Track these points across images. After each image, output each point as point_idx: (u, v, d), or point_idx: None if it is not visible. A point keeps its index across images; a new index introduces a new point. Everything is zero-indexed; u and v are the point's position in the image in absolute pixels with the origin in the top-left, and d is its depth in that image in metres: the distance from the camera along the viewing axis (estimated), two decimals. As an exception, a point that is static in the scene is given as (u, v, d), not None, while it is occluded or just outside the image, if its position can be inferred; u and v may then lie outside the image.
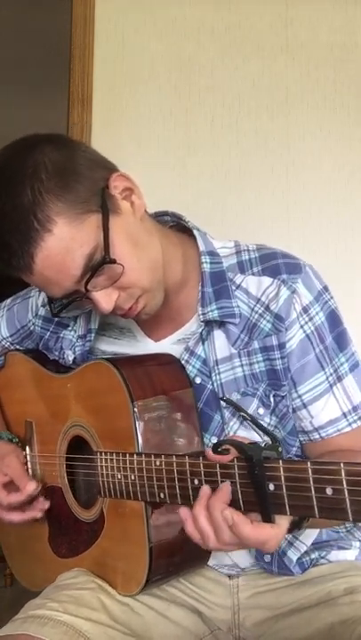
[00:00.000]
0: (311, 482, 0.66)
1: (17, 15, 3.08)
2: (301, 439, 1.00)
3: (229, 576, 1.04)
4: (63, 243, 0.87)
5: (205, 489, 0.77)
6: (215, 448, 0.75)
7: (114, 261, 0.89)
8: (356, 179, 1.88)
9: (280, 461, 0.70)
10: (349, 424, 0.97)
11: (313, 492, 0.66)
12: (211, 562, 1.01)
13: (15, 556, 1.28)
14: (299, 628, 0.96)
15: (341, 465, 0.63)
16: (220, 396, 0.98)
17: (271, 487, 0.70)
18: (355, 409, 0.97)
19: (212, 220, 1.86)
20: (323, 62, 1.89)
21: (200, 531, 0.77)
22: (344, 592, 0.97)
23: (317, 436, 0.98)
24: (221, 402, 0.97)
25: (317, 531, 1.02)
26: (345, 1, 1.90)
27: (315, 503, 0.66)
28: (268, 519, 0.72)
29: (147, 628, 0.97)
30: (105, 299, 0.92)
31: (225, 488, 0.75)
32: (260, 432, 0.78)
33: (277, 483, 0.69)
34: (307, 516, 0.77)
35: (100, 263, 0.89)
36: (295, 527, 0.78)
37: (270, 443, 0.72)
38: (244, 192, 1.90)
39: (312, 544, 1.02)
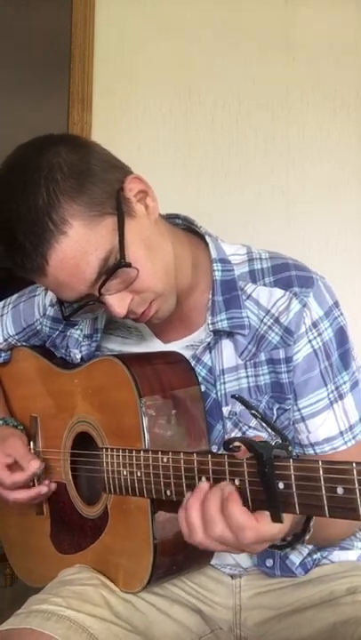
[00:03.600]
0: (322, 481, 0.66)
1: (17, 15, 3.08)
2: (298, 451, 1.00)
3: (231, 576, 1.04)
4: (78, 245, 0.86)
5: (204, 484, 0.77)
6: (227, 445, 0.75)
7: (129, 265, 0.88)
8: (356, 179, 1.89)
9: (290, 460, 0.70)
10: (345, 442, 0.97)
11: (323, 491, 0.66)
12: (213, 561, 1.01)
13: (15, 551, 1.28)
14: (300, 627, 0.96)
15: (354, 465, 0.63)
16: (224, 405, 0.98)
17: (281, 486, 0.70)
18: (351, 428, 0.97)
19: (213, 219, 1.86)
20: (323, 62, 1.89)
21: (189, 524, 0.77)
22: (346, 592, 0.97)
23: (312, 452, 0.98)
24: (224, 410, 0.97)
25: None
26: (345, 0, 1.90)
27: (325, 502, 0.66)
28: (277, 518, 0.72)
29: (148, 625, 0.97)
30: (119, 303, 0.91)
31: (227, 489, 0.75)
32: (271, 430, 0.77)
33: (287, 481, 0.69)
34: (307, 527, 0.78)
35: (115, 267, 0.88)
36: (297, 540, 0.78)
37: (280, 442, 0.72)
38: (244, 192, 1.90)
39: (314, 545, 1.02)
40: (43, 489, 1.10)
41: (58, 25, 2.22)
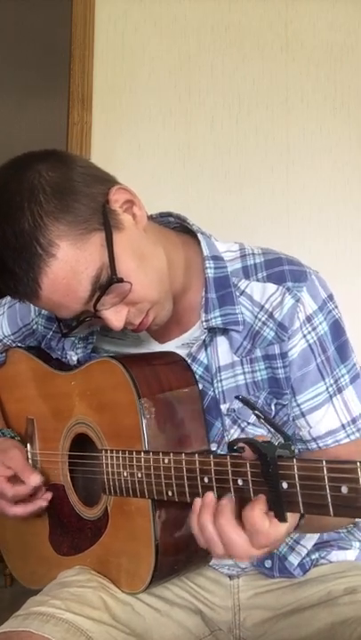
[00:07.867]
0: (326, 480, 0.66)
1: (17, 15, 3.08)
2: (300, 447, 1.00)
3: (230, 576, 1.04)
4: (68, 266, 0.85)
5: (211, 496, 0.78)
6: (231, 446, 0.75)
7: (121, 280, 0.88)
8: (356, 179, 1.89)
9: (294, 460, 0.70)
10: (348, 436, 0.96)
11: (328, 490, 0.66)
12: (211, 561, 1.01)
13: (13, 553, 1.28)
14: (299, 627, 0.96)
15: (358, 464, 0.63)
16: (222, 402, 0.98)
17: (285, 485, 0.70)
18: (354, 421, 0.96)
19: (212, 219, 1.87)
20: (323, 62, 1.90)
21: (207, 540, 0.77)
22: (344, 592, 0.96)
23: (315, 446, 0.98)
24: (222, 407, 0.97)
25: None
26: (345, 0, 1.90)
27: (329, 501, 0.66)
28: (281, 517, 0.72)
29: (147, 628, 0.96)
30: (115, 316, 0.91)
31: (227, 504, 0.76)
32: (273, 430, 0.77)
33: (291, 481, 0.69)
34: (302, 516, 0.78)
35: (107, 283, 0.87)
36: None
37: (283, 442, 0.72)
38: (244, 192, 1.91)
39: (312, 545, 1.02)
40: (42, 503, 1.10)
41: (58, 25, 2.22)
